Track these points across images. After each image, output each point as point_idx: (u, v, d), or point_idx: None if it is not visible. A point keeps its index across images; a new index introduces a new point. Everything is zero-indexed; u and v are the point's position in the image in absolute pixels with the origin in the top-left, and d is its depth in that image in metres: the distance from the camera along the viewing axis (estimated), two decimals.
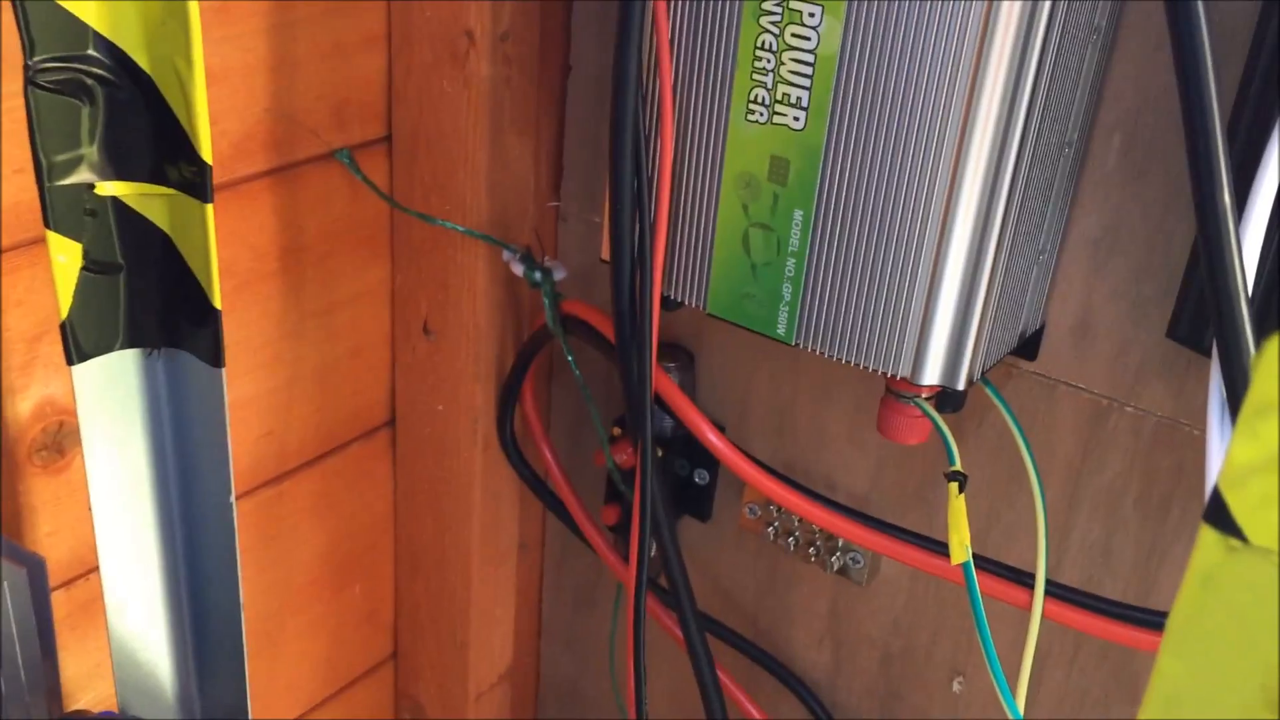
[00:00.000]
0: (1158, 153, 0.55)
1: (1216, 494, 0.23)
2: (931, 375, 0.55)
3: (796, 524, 0.72)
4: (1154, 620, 0.56)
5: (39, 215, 0.48)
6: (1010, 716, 0.56)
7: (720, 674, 0.70)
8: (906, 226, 0.53)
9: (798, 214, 0.55)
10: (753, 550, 0.76)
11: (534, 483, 0.80)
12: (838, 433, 0.69)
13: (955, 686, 0.70)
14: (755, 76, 0.54)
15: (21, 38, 0.44)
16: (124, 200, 0.49)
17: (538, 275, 0.70)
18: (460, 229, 0.71)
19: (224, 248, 0.66)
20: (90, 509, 0.54)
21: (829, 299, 0.56)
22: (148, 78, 0.47)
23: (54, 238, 0.48)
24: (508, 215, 0.72)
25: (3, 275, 0.58)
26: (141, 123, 0.48)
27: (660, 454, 0.73)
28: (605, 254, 0.61)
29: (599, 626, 0.87)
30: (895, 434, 0.59)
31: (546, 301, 0.70)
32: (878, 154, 0.52)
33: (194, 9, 0.45)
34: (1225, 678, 0.25)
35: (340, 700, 0.87)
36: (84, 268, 0.49)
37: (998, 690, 0.56)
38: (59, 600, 0.65)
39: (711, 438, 0.64)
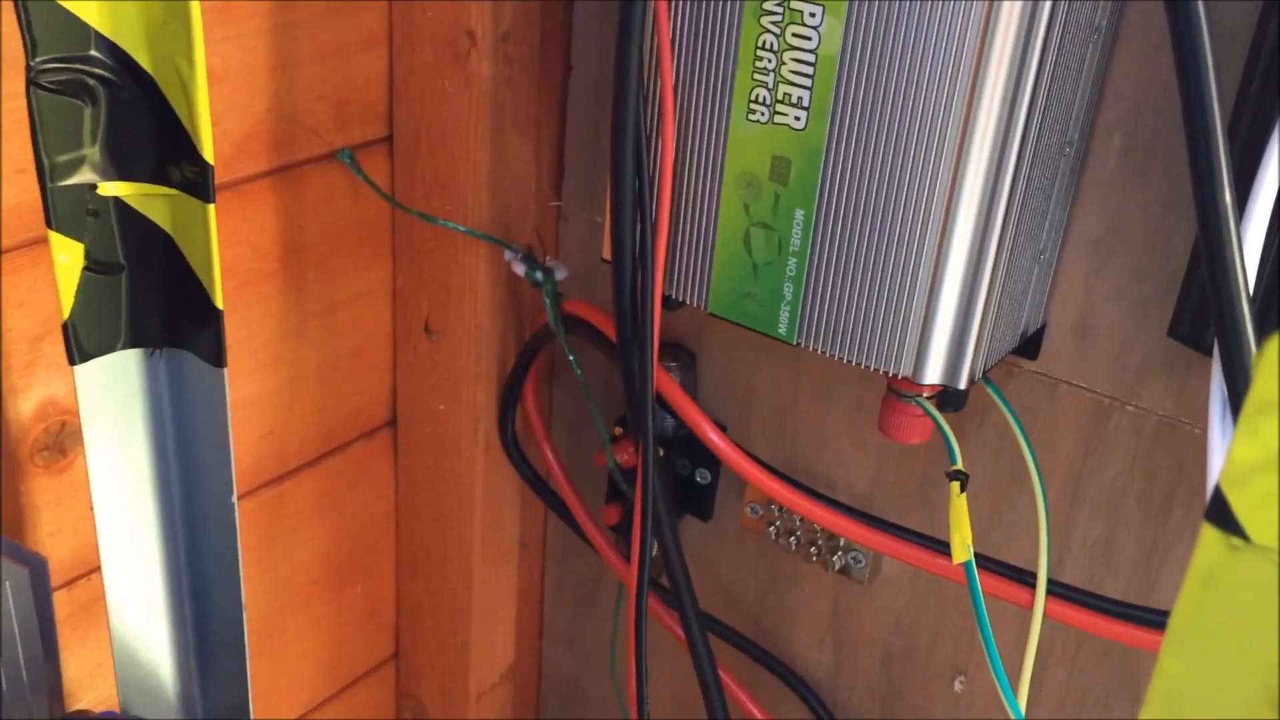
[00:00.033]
0: (1158, 152, 0.55)
1: (1218, 493, 0.23)
2: (933, 374, 0.55)
3: (798, 523, 0.72)
4: (1155, 619, 0.56)
5: (41, 215, 0.48)
6: (1012, 716, 0.56)
7: (722, 673, 0.70)
8: (908, 226, 0.53)
9: (799, 214, 0.55)
10: (754, 550, 0.76)
11: (535, 482, 0.80)
12: (839, 432, 0.69)
13: (957, 686, 0.70)
14: (756, 76, 0.54)
15: (24, 38, 0.45)
16: (126, 200, 0.49)
17: (539, 275, 0.71)
18: (461, 229, 0.71)
19: (225, 248, 0.66)
20: (92, 509, 0.54)
21: (830, 298, 0.56)
22: (150, 78, 0.47)
23: (56, 238, 0.48)
24: (509, 215, 0.72)
25: (6, 275, 0.58)
26: (143, 123, 0.48)
27: (662, 453, 0.73)
28: (606, 254, 0.61)
29: (600, 626, 0.87)
30: (897, 433, 0.59)
31: (548, 301, 0.70)
32: (879, 153, 0.53)
33: (196, 9, 0.45)
34: (1227, 677, 0.25)
35: (341, 700, 0.87)
36: (86, 268, 0.49)
37: (999, 690, 0.56)
38: (61, 600, 0.65)
39: (713, 437, 0.65)
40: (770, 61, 0.54)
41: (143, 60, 0.47)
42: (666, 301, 0.61)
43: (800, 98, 0.54)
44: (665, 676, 0.83)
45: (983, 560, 0.58)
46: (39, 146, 0.46)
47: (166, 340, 0.52)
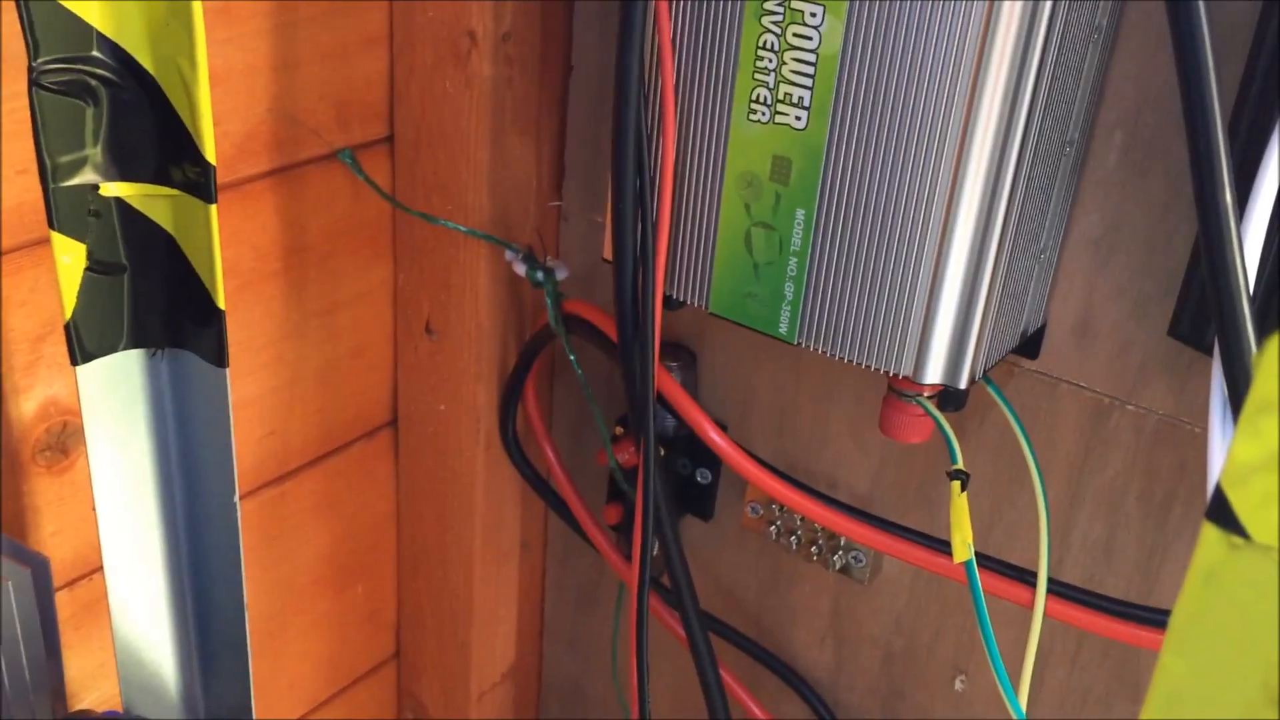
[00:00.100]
0: (1159, 151, 0.55)
1: (1219, 492, 0.23)
2: (933, 374, 0.55)
3: (799, 523, 0.72)
4: (1156, 618, 0.56)
5: (43, 216, 0.48)
6: (1013, 715, 0.56)
7: (723, 673, 0.70)
8: (908, 225, 0.53)
9: (800, 213, 0.55)
10: (755, 549, 0.76)
11: (536, 482, 0.80)
12: (840, 431, 0.69)
13: (958, 685, 0.70)
14: (757, 76, 0.54)
15: (26, 39, 0.45)
16: (128, 201, 0.49)
17: (540, 275, 0.71)
18: (462, 229, 0.71)
19: (226, 248, 0.66)
20: (94, 509, 0.54)
21: (831, 298, 0.56)
22: (152, 79, 0.47)
23: (58, 238, 0.48)
24: (510, 215, 0.72)
25: (7, 276, 0.58)
26: (145, 124, 0.48)
27: (662, 453, 0.73)
28: (607, 253, 0.61)
29: (601, 626, 0.87)
30: (897, 433, 0.59)
31: (549, 301, 0.70)
32: (880, 153, 0.53)
33: (197, 10, 0.45)
34: (1227, 675, 0.25)
35: (343, 699, 0.87)
36: (88, 268, 0.49)
37: (1001, 689, 0.56)
38: (63, 600, 0.65)
39: (714, 436, 0.65)
40: (771, 61, 0.54)
41: (145, 61, 0.47)
42: (667, 301, 0.61)
43: (801, 97, 0.54)
44: (666, 676, 0.83)
45: (983, 559, 0.58)
46: (41, 147, 0.46)
47: (168, 340, 0.52)
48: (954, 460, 0.57)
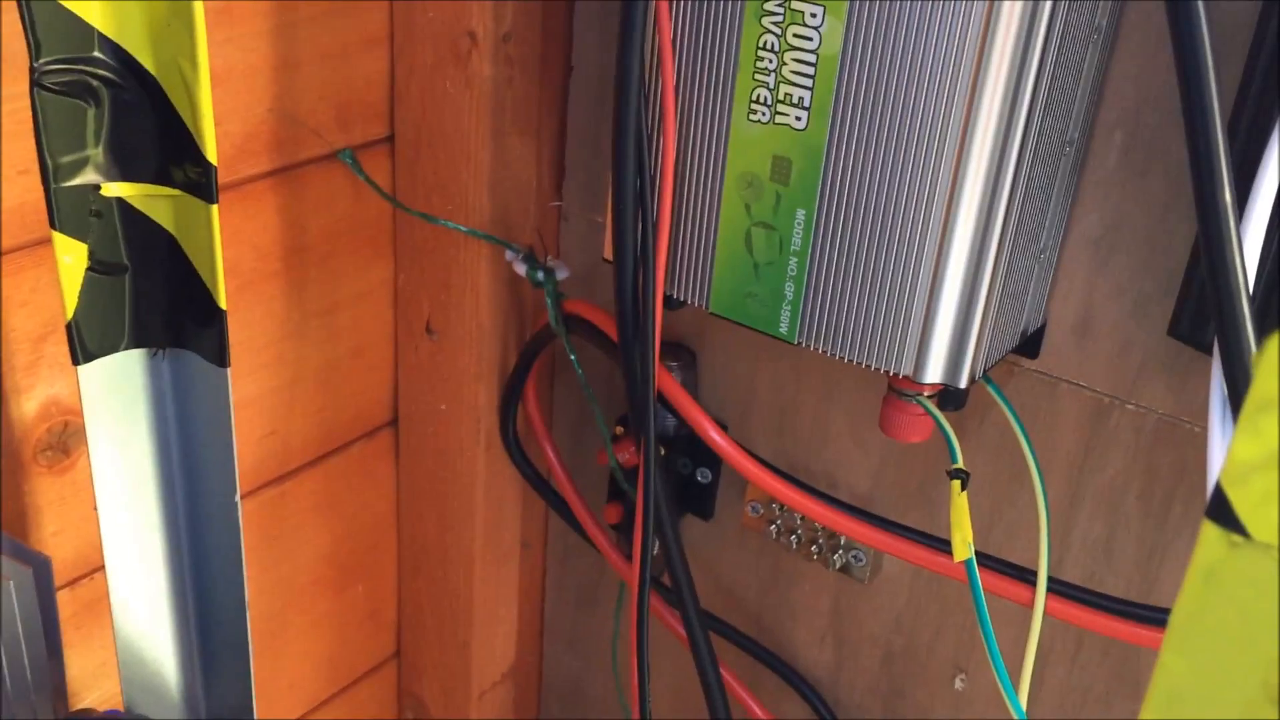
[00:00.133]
0: (1158, 151, 0.55)
1: (1219, 490, 0.23)
2: (934, 373, 0.55)
3: (799, 522, 0.72)
4: (1156, 617, 0.56)
5: (45, 216, 0.48)
6: (1013, 714, 0.56)
7: (723, 672, 0.70)
8: (909, 225, 0.53)
9: (800, 213, 0.55)
10: (755, 548, 0.76)
11: (537, 482, 0.81)
12: (840, 431, 0.69)
13: (957, 684, 0.71)
14: (757, 77, 0.55)
15: (27, 40, 0.45)
16: (129, 201, 0.49)
17: (540, 275, 0.71)
18: (463, 229, 0.71)
19: (227, 248, 0.66)
20: (95, 508, 0.54)
21: (831, 298, 0.56)
22: (153, 79, 0.47)
23: (60, 238, 0.48)
24: (510, 215, 0.72)
25: (9, 276, 0.58)
26: (147, 124, 0.48)
27: (663, 453, 0.73)
28: (608, 253, 0.61)
29: (602, 625, 0.87)
30: (897, 432, 0.59)
31: (549, 301, 0.71)
32: (880, 153, 0.53)
33: (199, 11, 0.45)
34: (1227, 674, 0.25)
35: (343, 699, 0.87)
36: (89, 268, 0.49)
37: (1001, 687, 0.56)
38: (64, 599, 0.65)
39: (714, 436, 0.65)
40: (771, 62, 0.54)
41: (146, 61, 0.47)
42: (668, 301, 0.61)
43: (801, 98, 0.54)
44: (666, 675, 0.83)
45: (984, 558, 0.58)
46: (42, 147, 0.46)
47: (170, 340, 0.52)
48: (954, 459, 0.57)
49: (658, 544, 0.68)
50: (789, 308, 0.57)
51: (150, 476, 0.55)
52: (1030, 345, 0.61)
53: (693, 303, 0.60)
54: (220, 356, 0.51)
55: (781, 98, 0.54)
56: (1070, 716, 0.67)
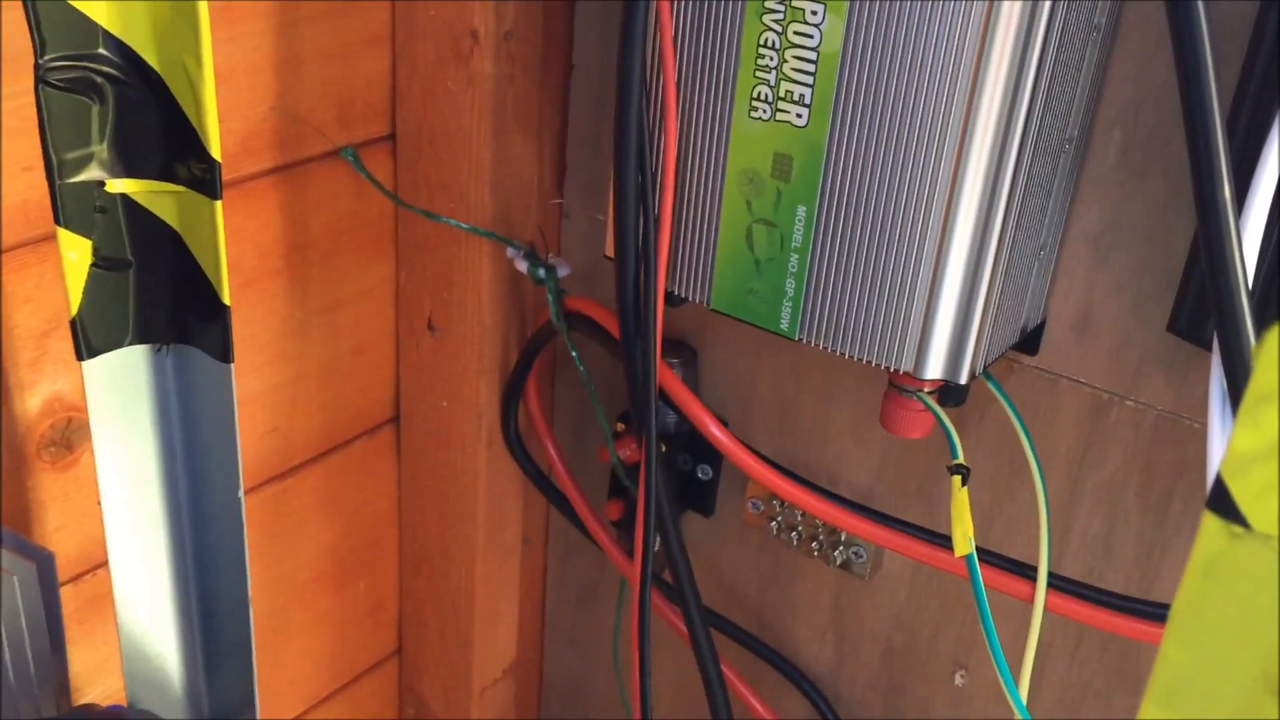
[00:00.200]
0: (1158, 148, 0.55)
1: (1219, 481, 0.23)
2: (934, 369, 0.55)
3: (799, 518, 0.73)
4: (1155, 612, 0.56)
5: (49, 212, 0.48)
6: (1014, 709, 0.56)
7: (724, 669, 0.70)
8: (909, 222, 0.53)
9: (801, 210, 0.56)
10: (756, 545, 0.77)
11: (538, 478, 0.81)
12: (841, 427, 0.70)
13: (958, 680, 0.71)
14: (758, 74, 0.55)
15: (32, 36, 0.45)
16: (134, 197, 0.49)
17: (541, 272, 0.71)
18: (464, 226, 0.71)
19: (230, 245, 0.66)
20: (99, 504, 0.54)
21: (832, 294, 0.56)
22: (157, 76, 0.47)
23: (64, 234, 0.48)
24: (511, 212, 0.73)
25: (13, 272, 0.58)
26: (151, 120, 0.48)
27: (664, 449, 0.73)
28: (609, 250, 0.61)
29: (603, 622, 0.88)
30: (898, 428, 0.59)
31: (550, 298, 0.71)
32: (880, 150, 0.53)
33: (203, 8, 0.45)
34: (1228, 665, 0.25)
35: (344, 696, 0.88)
36: (94, 264, 0.50)
37: (1001, 682, 0.56)
38: (67, 595, 0.65)
39: (715, 432, 0.65)
40: (772, 59, 0.54)
41: (150, 59, 0.47)
42: (669, 298, 0.61)
43: (802, 95, 0.54)
44: (667, 672, 0.83)
45: (984, 554, 0.59)
46: (47, 144, 0.47)
47: (174, 336, 0.52)
48: (954, 455, 0.57)
49: (659, 541, 0.68)
50: (790, 304, 0.58)
51: (154, 472, 0.55)
52: (1030, 342, 0.61)
53: (694, 299, 0.61)
54: (224, 352, 0.51)
55: (782, 95, 0.54)
56: (1070, 712, 0.67)
